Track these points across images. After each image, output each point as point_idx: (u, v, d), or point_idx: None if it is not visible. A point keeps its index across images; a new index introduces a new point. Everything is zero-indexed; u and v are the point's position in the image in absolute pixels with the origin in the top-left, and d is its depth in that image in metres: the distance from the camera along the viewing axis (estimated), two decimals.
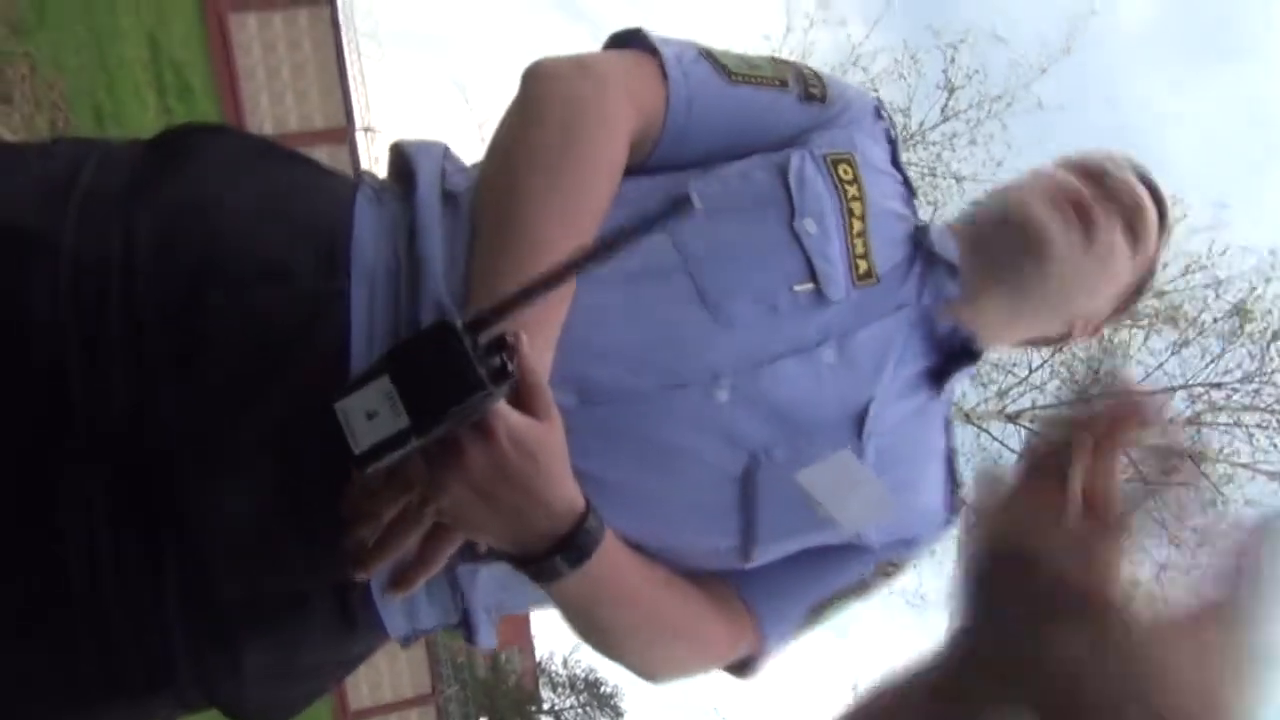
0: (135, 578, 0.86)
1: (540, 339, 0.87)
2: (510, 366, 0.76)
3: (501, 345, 0.76)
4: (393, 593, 0.89)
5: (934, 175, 10.53)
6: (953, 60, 10.35)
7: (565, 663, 22.46)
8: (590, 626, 0.97)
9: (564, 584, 0.88)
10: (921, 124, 10.50)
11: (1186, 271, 9.70)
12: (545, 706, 23.19)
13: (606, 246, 0.75)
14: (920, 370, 1.07)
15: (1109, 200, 1.09)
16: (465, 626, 1.01)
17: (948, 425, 1.13)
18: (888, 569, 1.10)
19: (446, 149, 1.03)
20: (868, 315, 1.01)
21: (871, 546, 1.07)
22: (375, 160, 10.41)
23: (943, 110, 10.45)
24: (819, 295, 0.98)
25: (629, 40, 1.06)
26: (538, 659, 21.85)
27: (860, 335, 1.01)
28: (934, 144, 10.50)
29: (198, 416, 0.85)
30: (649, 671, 1.04)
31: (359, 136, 10.30)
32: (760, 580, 1.05)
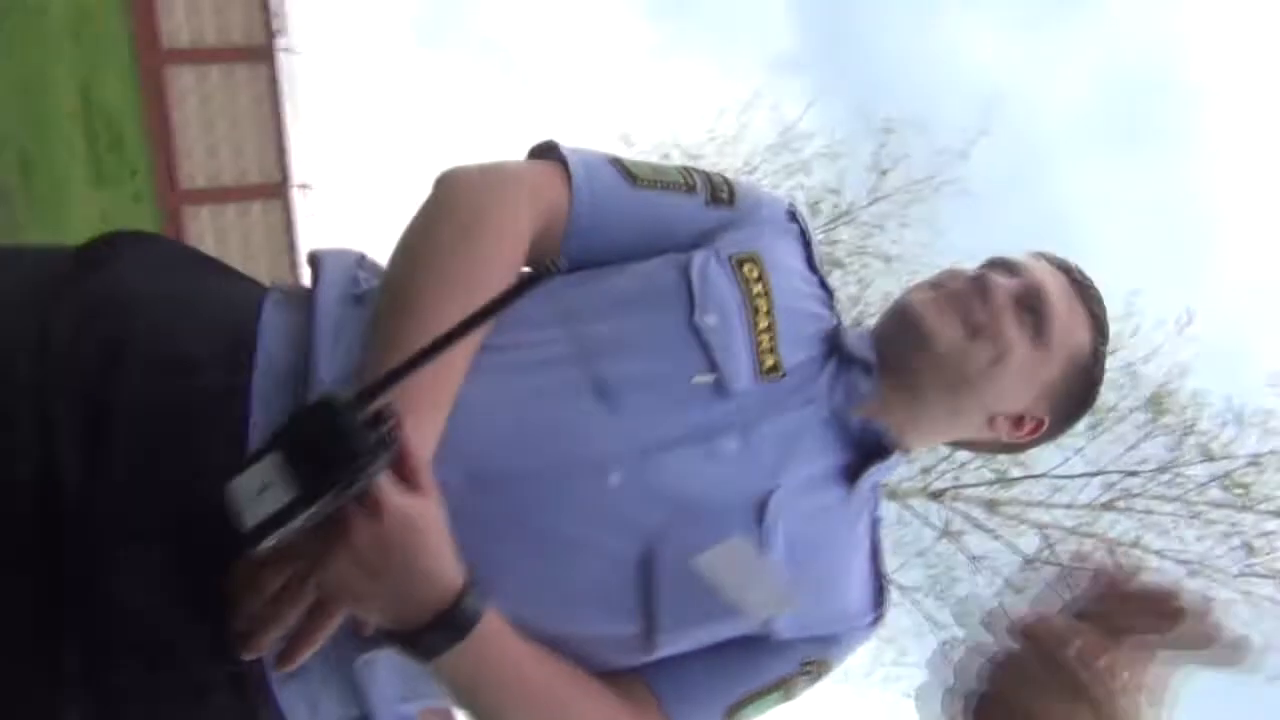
0: (35, 657, 0.87)
1: (427, 420, 0.90)
2: (391, 436, 0.79)
3: (383, 418, 0.79)
4: (279, 667, 0.90)
5: (863, 254, 10.74)
6: (883, 145, 10.62)
7: None
8: (481, 714, 0.98)
9: (446, 663, 0.88)
10: (852, 204, 10.74)
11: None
12: None
13: (479, 314, 0.79)
14: (833, 466, 1.08)
15: (996, 289, 1.11)
16: None
17: (874, 523, 1.13)
18: (811, 668, 1.10)
19: (361, 256, 1.09)
20: (774, 408, 1.03)
21: (788, 642, 1.06)
22: (310, 216, 10.36)
23: (870, 192, 10.69)
24: (719, 387, 1.01)
25: (544, 152, 1.12)
26: None
27: (765, 427, 1.02)
28: (864, 224, 10.73)
29: (98, 495, 0.87)
30: None
31: (294, 193, 10.25)
32: (673, 676, 1.04)
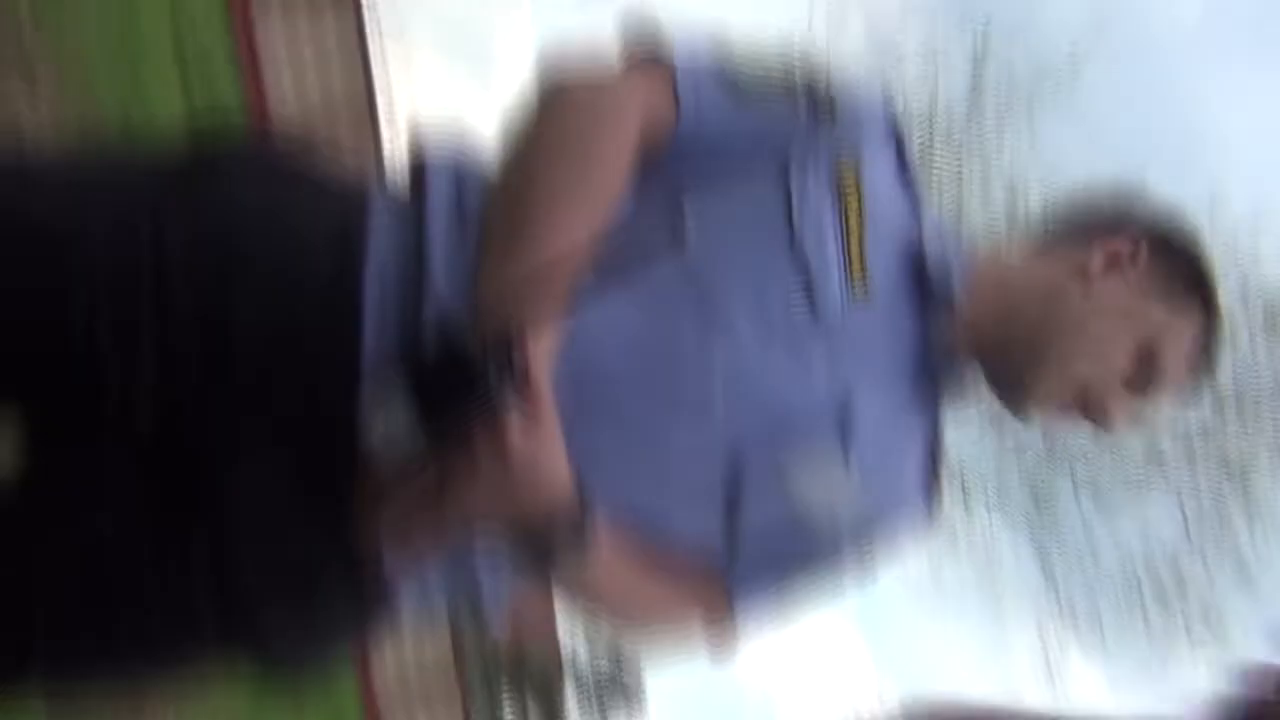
0: (166, 557, 0.97)
1: (544, 335, 0.94)
2: (515, 368, 0.86)
3: (510, 358, 0.86)
4: (398, 550, 0.98)
5: (960, 178, 10.31)
6: (981, 52, 9.99)
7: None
8: (574, 599, 1.11)
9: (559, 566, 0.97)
10: (949, 113, 10.15)
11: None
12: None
13: (608, 283, 0.91)
14: (909, 385, 1.12)
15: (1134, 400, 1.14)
16: (473, 607, 1.11)
17: (939, 416, 1.18)
18: (862, 553, 1.17)
19: (460, 166, 1.07)
20: (859, 330, 1.07)
21: (843, 535, 1.13)
22: (397, 135, 10.32)
23: (972, 86, 9.96)
24: (813, 306, 1.05)
25: (646, 50, 1.08)
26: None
27: (852, 345, 1.07)
28: (960, 143, 10.25)
29: (222, 407, 0.95)
30: (617, 629, 1.20)
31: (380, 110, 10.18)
32: (738, 563, 1.12)
